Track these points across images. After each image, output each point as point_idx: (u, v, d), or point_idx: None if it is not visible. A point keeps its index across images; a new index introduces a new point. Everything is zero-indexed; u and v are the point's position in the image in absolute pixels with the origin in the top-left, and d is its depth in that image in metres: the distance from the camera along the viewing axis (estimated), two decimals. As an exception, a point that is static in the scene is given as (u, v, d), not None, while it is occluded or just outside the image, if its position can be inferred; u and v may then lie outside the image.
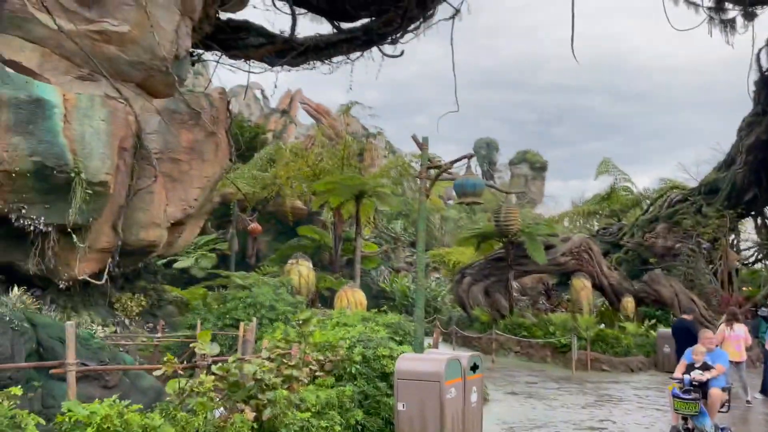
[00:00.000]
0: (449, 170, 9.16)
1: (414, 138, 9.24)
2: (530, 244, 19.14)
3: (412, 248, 51.52)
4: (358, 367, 7.32)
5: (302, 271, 17.46)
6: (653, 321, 18.95)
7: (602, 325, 17.80)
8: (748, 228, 30.25)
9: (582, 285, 18.95)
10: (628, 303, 19.39)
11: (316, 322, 10.12)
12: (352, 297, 13.56)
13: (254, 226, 21.58)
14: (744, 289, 26.20)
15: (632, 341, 16.61)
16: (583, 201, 48.74)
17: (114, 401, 4.36)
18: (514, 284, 32.05)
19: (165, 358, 5.11)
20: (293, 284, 17.33)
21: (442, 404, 6.18)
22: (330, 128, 47.74)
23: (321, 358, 7.25)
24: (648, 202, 35.51)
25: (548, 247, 20.13)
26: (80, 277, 11.92)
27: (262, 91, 68.60)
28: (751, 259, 29.86)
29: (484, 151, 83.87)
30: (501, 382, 13.20)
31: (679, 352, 11.78)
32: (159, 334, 12.97)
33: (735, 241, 27.56)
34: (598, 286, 20.49)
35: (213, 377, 5.09)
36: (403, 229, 52.10)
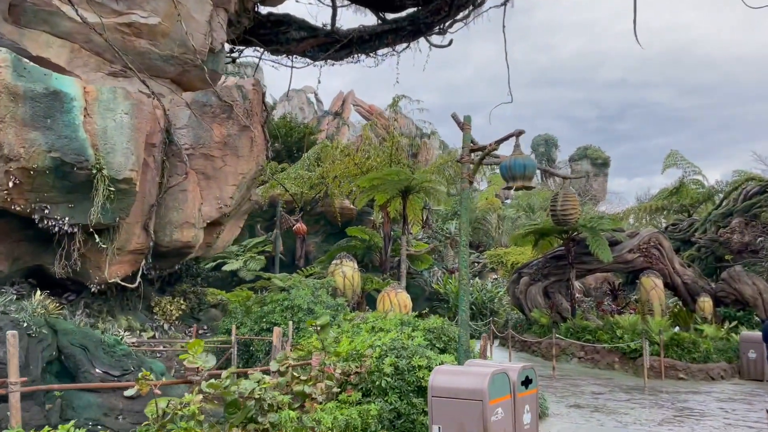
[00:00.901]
0: (496, 153, 8.05)
1: (454, 117, 8.19)
2: (593, 240, 17.64)
3: (470, 249, 50.25)
4: (388, 380, 6.33)
5: (346, 272, 16.60)
6: (734, 323, 17.08)
7: (676, 328, 16.13)
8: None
9: (652, 284, 17.27)
10: (705, 303, 17.57)
11: (348, 327, 9.22)
12: (395, 299, 12.58)
13: (299, 226, 20.92)
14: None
15: (711, 346, 14.89)
16: (649, 197, 46.24)
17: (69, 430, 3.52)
18: (576, 284, 30.34)
19: (140, 374, 4.25)
20: (337, 286, 16.51)
21: (485, 428, 5.10)
22: (382, 128, 46.99)
23: (345, 369, 6.29)
24: (721, 195, 33.58)
25: (613, 244, 18.55)
26: (111, 280, 11.45)
27: (316, 95, 68.72)
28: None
29: (543, 148, 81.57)
30: (563, 393, 11.91)
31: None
32: (191, 339, 12.35)
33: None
34: (670, 285, 18.72)
35: (201, 396, 4.19)
36: (458, 229, 50.78)
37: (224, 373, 4.50)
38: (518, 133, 7.41)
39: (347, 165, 22.03)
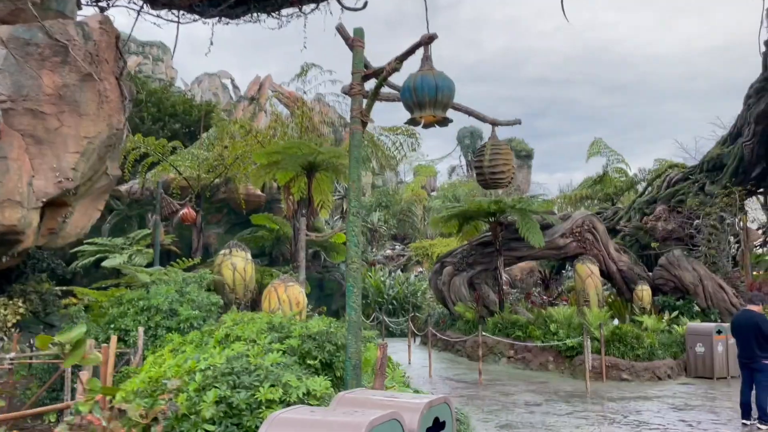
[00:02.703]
0: (390, 84, 5.55)
1: (340, 29, 5.62)
2: (523, 223, 15.62)
3: (394, 242, 48.15)
4: (208, 428, 3.70)
5: (237, 263, 13.78)
6: (675, 313, 15.49)
7: (615, 321, 14.32)
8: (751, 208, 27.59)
9: (588, 271, 15.42)
10: (644, 292, 15.89)
11: (197, 337, 6.49)
12: (284, 294, 9.94)
13: (186, 212, 17.83)
14: (756, 273, 23.31)
15: (656, 340, 13.10)
16: (571, 189, 45.82)
17: None
18: (504, 273, 28.64)
19: None
20: (225, 281, 13.69)
21: None
22: (307, 118, 44.01)
23: (138, 413, 3.61)
24: (644, 184, 33.32)
25: (544, 228, 16.64)
26: None
27: (232, 80, 64.67)
28: (758, 242, 27.19)
29: (468, 140, 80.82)
30: (491, 406, 9.61)
31: (746, 356, 8.31)
32: (12, 354, 9.24)
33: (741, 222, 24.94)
34: (605, 273, 16.97)
35: None
36: (383, 221, 48.58)
37: None
38: (428, 40, 4.94)
39: (249, 143, 19.08)
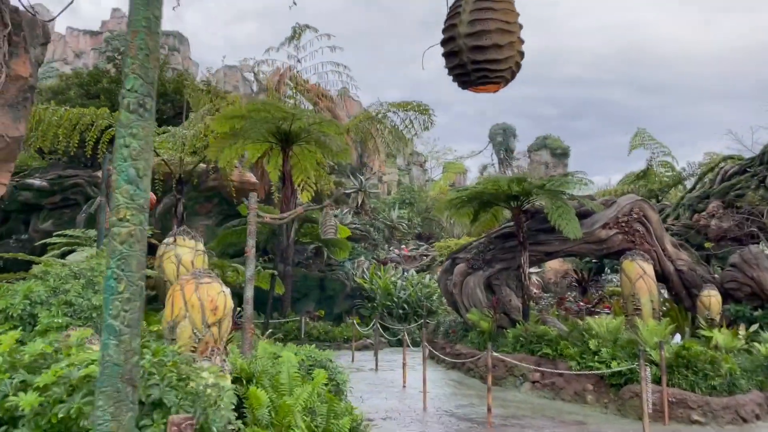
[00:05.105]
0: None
1: None
2: (554, 209, 12.19)
3: (418, 241, 44.85)
4: None
5: (183, 256, 10.77)
6: (753, 327, 11.86)
7: (677, 337, 10.80)
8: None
9: (639, 270, 11.90)
10: (712, 299, 12.26)
11: None
12: (193, 296, 6.86)
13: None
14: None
15: (736, 366, 9.54)
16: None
17: None
18: (534, 275, 24.98)
19: None
20: (167, 278, 10.69)
21: None
22: (326, 110, 41.04)
23: None
24: (694, 178, 29.98)
25: (582, 216, 13.20)
26: None
27: (255, 74, 62.49)
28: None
29: (501, 137, 77.52)
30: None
31: None
32: None
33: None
34: (658, 274, 13.39)
35: None
36: (406, 219, 45.39)
37: None
38: None
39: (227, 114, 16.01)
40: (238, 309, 14.65)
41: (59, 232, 18.33)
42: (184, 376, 3.24)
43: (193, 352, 6.28)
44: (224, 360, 5.17)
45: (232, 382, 5.98)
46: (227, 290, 7.29)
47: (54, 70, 38.53)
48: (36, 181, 20.76)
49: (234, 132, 12.28)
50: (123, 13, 51.12)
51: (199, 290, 6.87)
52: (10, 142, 9.46)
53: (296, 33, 18.86)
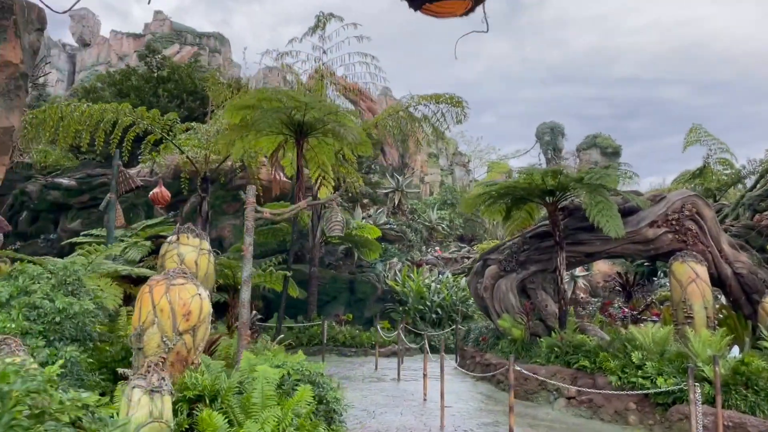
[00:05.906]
0: None
1: None
2: (594, 204, 10.99)
3: (460, 243, 43.61)
4: None
5: (186, 255, 10.04)
6: (826, 339, 10.34)
7: (735, 350, 9.47)
8: None
9: (691, 273, 10.59)
10: (777, 307, 10.81)
11: None
12: (163, 299, 6.03)
13: (157, 191, 14.36)
14: None
15: (807, 385, 8.17)
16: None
17: None
18: (581, 278, 23.46)
19: None
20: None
21: None
22: (367, 111, 40.24)
23: None
24: (756, 176, 27.83)
25: (627, 213, 11.95)
26: None
27: (297, 76, 62.60)
28: None
29: (548, 136, 75.31)
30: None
31: None
32: None
33: None
34: (714, 278, 11.98)
35: None
36: (447, 220, 44.25)
37: None
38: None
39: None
40: (254, 313, 13.95)
41: (85, 232, 18.16)
42: (38, 411, 2.40)
43: (162, 362, 5.47)
44: (162, 378, 4.34)
45: (193, 402, 5.15)
46: (204, 293, 6.48)
47: (98, 73, 39.10)
48: (64, 180, 20.69)
49: (245, 123, 11.57)
50: (165, 15, 51.79)
51: (170, 292, 6.08)
52: (2, 132, 8.91)
53: (320, 22, 18.08)
